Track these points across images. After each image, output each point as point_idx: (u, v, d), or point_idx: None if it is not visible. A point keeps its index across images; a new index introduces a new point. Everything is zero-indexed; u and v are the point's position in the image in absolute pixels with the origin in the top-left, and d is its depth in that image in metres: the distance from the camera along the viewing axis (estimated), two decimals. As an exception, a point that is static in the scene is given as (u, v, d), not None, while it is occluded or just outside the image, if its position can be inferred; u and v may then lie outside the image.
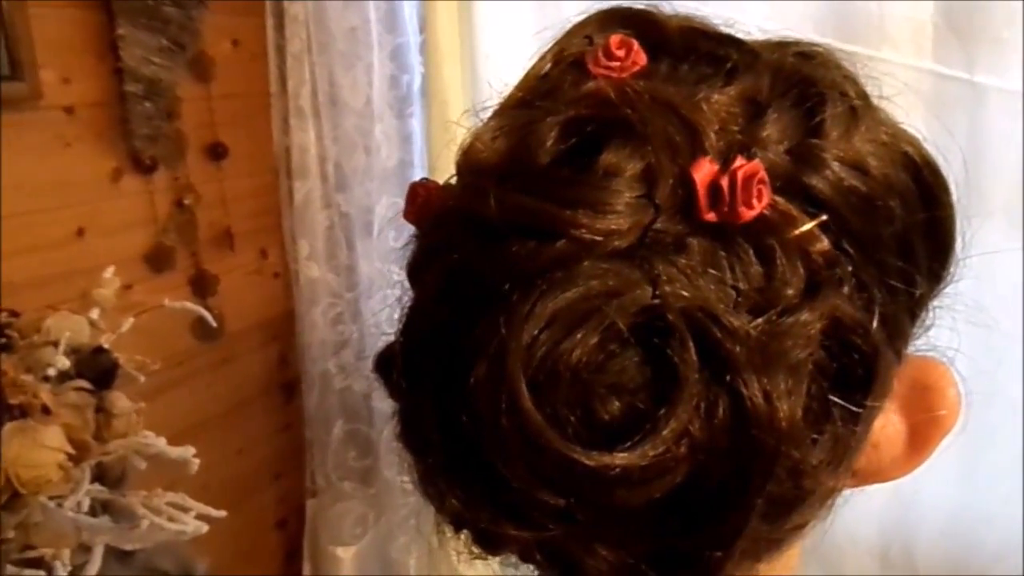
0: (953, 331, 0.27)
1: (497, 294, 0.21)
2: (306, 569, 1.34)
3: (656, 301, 0.21)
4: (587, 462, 0.20)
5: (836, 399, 0.22)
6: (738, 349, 0.21)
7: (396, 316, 0.26)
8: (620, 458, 0.20)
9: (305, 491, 1.32)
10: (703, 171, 0.21)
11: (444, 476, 0.23)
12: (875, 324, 0.23)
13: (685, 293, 0.21)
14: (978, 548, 0.86)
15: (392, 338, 0.26)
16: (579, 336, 0.21)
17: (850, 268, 0.23)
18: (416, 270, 0.25)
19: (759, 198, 0.21)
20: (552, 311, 0.21)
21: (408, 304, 0.25)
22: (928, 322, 0.27)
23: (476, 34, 0.98)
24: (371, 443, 1.27)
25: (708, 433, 0.21)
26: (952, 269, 0.27)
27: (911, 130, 0.27)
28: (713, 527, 0.22)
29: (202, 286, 1.12)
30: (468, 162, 0.24)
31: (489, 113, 0.27)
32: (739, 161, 0.22)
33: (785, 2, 0.82)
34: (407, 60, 1.12)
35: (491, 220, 0.22)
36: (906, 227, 0.24)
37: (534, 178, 0.23)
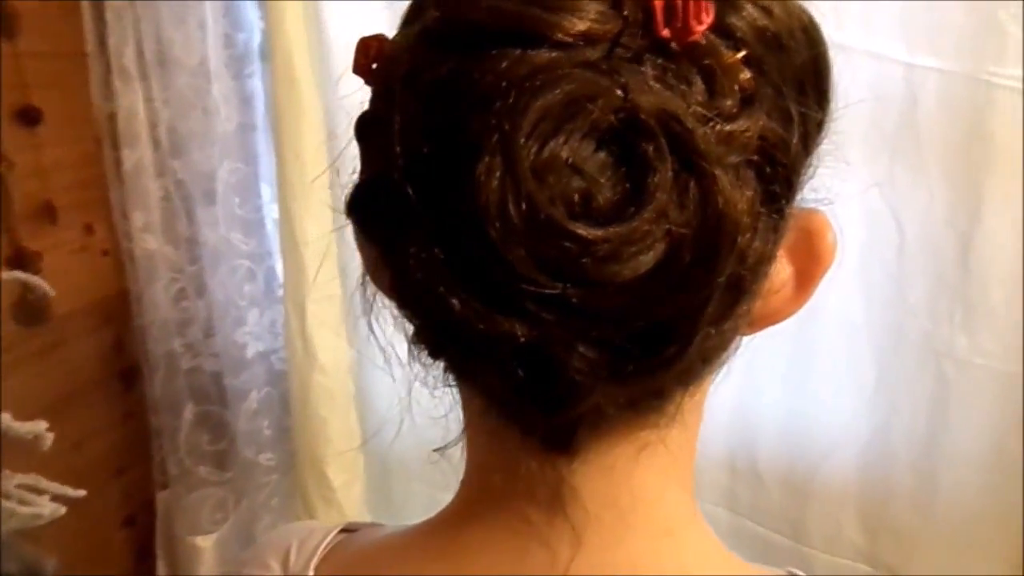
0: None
1: (489, 98, 0.24)
2: (160, 568, 1.25)
3: (628, 103, 0.24)
4: (586, 235, 0.24)
5: (763, 207, 0.26)
6: (702, 143, 0.24)
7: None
8: (612, 231, 0.24)
9: (154, 483, 1.23)
10: None
11: (444, 279, 0.25)
12: (795, 141, 0.27)
13: (651, 98, 0.24)
14: (809, 448, 0.96)
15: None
16: (569, 129, 0.24)
17: (769, 94, 0.27)
18: (387, 102, 0.27)
19: (707, 14, 0.25)
20: (542, 109, 0.24)
21: (374, 145, 0.28)
22: (810, 174, 0.31)
23: (319, -12, 0.95)
24: (225, 424, 1.21)
25: (681, 213, 0.24)
26: (830, 111, 0.31)
27: None
28: (685, 299, 0.25)
29: (21, 265, 1.01)
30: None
31: None
32: None
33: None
34: (242, 17, 1.07)
35: (478, 29, 0.24)
36: (803, 63, 0.29)
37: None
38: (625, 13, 0.24)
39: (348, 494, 1.11)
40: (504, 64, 0.24)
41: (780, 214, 0.27)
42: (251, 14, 1.05)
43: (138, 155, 1.08)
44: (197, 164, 1.08)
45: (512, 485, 0.32)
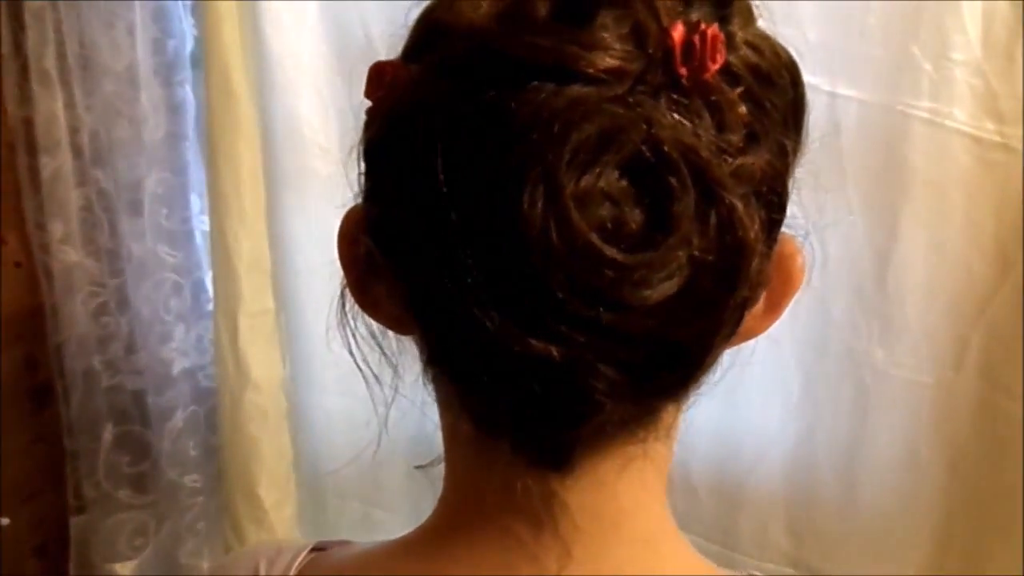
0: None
1: (529, 130, 0.25)
2: (73, 598, 1.19)
3: (652, 137, 0.26)
4: (622, 260, 0.25)
5: (765, 233, 0.28)
6: (719, 174, 0.26)
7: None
8: (644, 257, 0.26)
9: (68, 508, 1.17)
10: (679, 32, 0.26)
11: (479, 302, 0.26)
12: (788, 175, 0.30)
13: (672, 132, 0.26)
14: (739, 458, 1.00)
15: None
16: (604, 161, 0.25)
17: (765, 127, 0.29)
18: (414, 130, 0.27)
19: (721, 55, 0.27)
20: (579, 142, 0.25)
21: (400, 172, 0.28)
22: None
23: (257, -2, 0.93)
24: (147, 445, 1.16)
25: (702, 240, 0.26)
26: (803, 144, 0.33)
27: None
28: (705, 321, 0.27)
29: (-74, 279, 0.94)
30: (461, 25, 0.27)
31: None
32: (703, 26, 0.27)
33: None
34: (173, 23, 1.04)
35: (516, 63, 0.25)
36: (789, 98, 0.31)
37: (543, 28, 0.26)
38: (649, 51, 0.26)
39: (280, 514, 1.08)
40: (542, 97, 0.25)
41: (775, 239, 0.30)
42: (184, 22, 1.02)
43: (58, 163, 1.03)
44: (122, 173, 1.04)
45: (498, 500, 0.32)
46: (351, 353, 0.37)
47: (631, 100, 0.26)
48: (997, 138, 0.81)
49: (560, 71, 0.25)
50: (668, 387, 0.28)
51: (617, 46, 0.26)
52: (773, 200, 0.29)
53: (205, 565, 1.17)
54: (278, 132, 0.96)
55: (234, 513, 1.08)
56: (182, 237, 1.09)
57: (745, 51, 0.28)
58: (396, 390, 0.38)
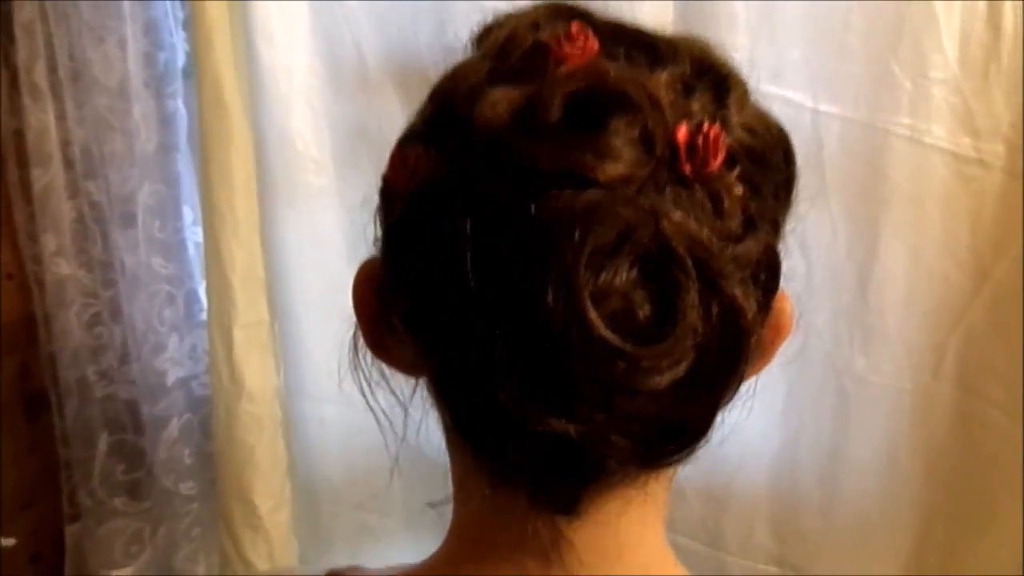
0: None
1: (549, 232, 0.27)
2: (69, 605, 1.20)
3: (661, 234, 0.27)
4: (634, 353, 0.27)
5: (761, 305, 0.31)
6: (720, 265, 0.28)
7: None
8: (654, 349, 0.27)
9: (63, 517, 1.18)
10: (683, 133, 0.28)
11: (501, 382, 0.28)
12: (779, 247, 0.32)
13: (677, 227, 0.28)
14: (725, 461, 1.03)
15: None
16: (617, 261, 0.27)
17: (758, 206, 0.30)
18: (440, 219, 0.29)
19: (722, 151, 0.29)
20: (595, 244, 0.27)
21: (428, 257, 0.30)
22: None
23: (248, 12, 0.94)
24: (141, 453, 1.17)
25: (706, 327, 0.28)
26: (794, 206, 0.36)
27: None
28: (710, 398, 0.30)
29: (-81, 293, 0.95)
30: (480, 123, 0.29)
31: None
32: (706, 126, 0.29)
33: None
34: (162, 36, 1.04)
35: (538, 171, 0.27)
36: (783, 173, 0.32)
37: (557, 133, 0.28)
38: (657, 154, 0.28)
39: (275, 520, 1.10)
40: (560, 203, 0.27)
41: (769, 307, 0.32)
42: (175, 35, 1.03)
43: (49, 176, 1.04)
44: (114, 186, 1.04)
45: (510, 539, 0.34)
46: (364, 395, 0.39)
47: (641, 199, 0.28)
48: (973, 153, 0.84)
49: (576, 179, 0.27)
50: (674, 454, 0.30)
51: (627, 153, 0.27)
52: (769, 276, 0.31)
53: (201, 570, 1.18)
54: (271, 145, 0.97)
55: (229, 520, 1.09)
56: (175, 248, 1.09)
57: (741, 134, 0.30)
58: (406, 429, 0.40)
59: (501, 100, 0.28)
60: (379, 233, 0.35)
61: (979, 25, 0.80)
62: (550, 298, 0.27)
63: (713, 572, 1.05)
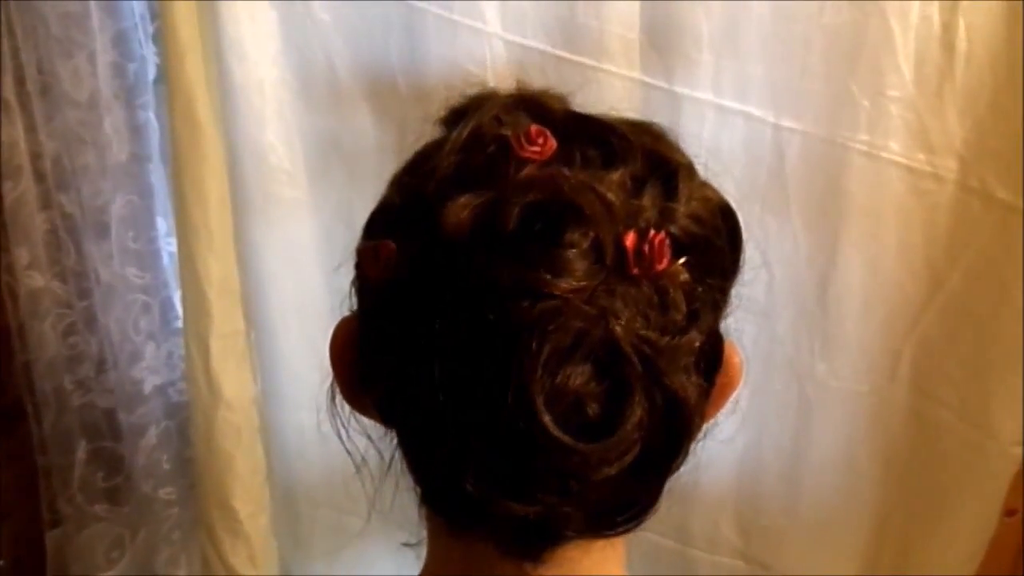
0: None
1: (509, 340, 0.30)
2: (51, 610, 1.21)
3: (610, 336, 0.30)
4: (585, 450, 0.30)
5: (705, 382, 0.33)
6: (664, 361, 0.30)
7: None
8: (604, 444, 0.30)
9: (43, 523, 1.19)
10: (631, 240, 0.31)
11: (464, 471, 0.31)
12: (720, 326, 0.34)
13: (627, 326, 0.30)
14: (692, 461, 1.06)
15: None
16: (569, 364, 0.30)
17: (703, 291, 0.33)
18: (410, 315, 0.32)
19: (667, 256, 0.31)
20: (550, 351, 0.30)
21: (399, 349, 0.32)
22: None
23: (220, 28, 0.94)
24: (120, 460, 1.18)
25: (652, 418, 0.31)
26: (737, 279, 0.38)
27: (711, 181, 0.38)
28: (657, 477, 0.33)
29: None
30: (446, 227, 0.31)
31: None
32: (652, 232, 0.31)
33: (523, 15, 0.90)
34: (132, 48, 1.04)
35: (499, 288, 0.30)
36: (728, 254, 0.35)
37: (514, 247, 0.30)
38: (608, 263, 0.30)
39: (255, 524, 1.12)
40: (518, 313, 0.30)
41: (713, 382, 0.34)
42: (144, 46, 1.02)
43: (20, 189, 1.03)
44: (87, 197, 1.04)
45: None
46: (340, 439, 0.41)
47: (592, 305, 0.30)
48: (928, 168, 0.87)
49: (532, 292, 0.30)
50: (626, 524, 0.33)
51: (579, 266, 0.30)
52: (711, 358, 0.33)
53: (182, 572, 1.20)
54: (244, 159, 0.98)
55: (209, 524, 1.11)
56: (150, 258, 1.10)
57: (688, 223, 0.33)
58: (386, 471, 0.42)
59: (465, 207, 0.30)
60: (355, 296, 0.37)
61: (934, 46, 0.83)
62: (510, 400, 0.29)
63: (681, 566, 1.09)
